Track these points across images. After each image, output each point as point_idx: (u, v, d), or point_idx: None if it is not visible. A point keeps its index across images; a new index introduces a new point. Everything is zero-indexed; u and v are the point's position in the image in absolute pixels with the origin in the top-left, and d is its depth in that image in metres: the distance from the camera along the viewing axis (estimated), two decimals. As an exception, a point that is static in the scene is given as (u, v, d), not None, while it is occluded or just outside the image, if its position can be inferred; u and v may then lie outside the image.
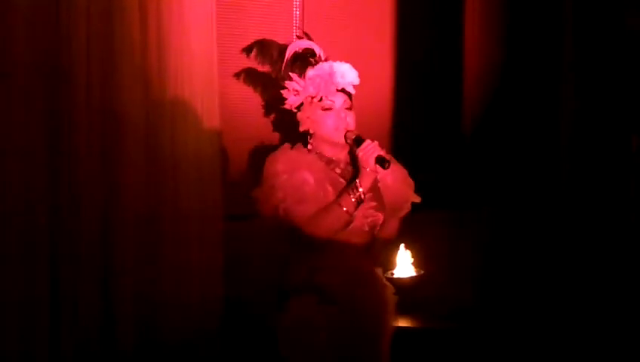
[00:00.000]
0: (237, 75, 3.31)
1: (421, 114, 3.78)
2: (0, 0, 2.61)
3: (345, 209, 2.52)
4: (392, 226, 2.90)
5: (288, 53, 2.78)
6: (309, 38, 2.84)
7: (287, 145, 2.69)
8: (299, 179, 2.56)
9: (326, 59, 2.77)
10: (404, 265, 3.50)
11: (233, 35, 3.35)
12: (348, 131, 2.62)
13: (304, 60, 2.77)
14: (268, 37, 3.17)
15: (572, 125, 3.82)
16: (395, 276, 3.40)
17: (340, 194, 2.56)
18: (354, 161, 2.60)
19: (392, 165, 2.68)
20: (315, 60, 2.77)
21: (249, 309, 3.17)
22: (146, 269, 2.94)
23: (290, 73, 2.75)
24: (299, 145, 2.69)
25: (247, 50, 2.88)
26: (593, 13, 3.76)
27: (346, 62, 2.81)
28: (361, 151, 2.56)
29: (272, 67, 2.86)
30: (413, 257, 3.53)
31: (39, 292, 2.71)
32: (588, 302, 3.56)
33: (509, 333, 3.32)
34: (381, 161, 2.52)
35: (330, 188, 2.59)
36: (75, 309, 2.80)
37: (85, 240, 2.82)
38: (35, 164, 2.71)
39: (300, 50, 2.80)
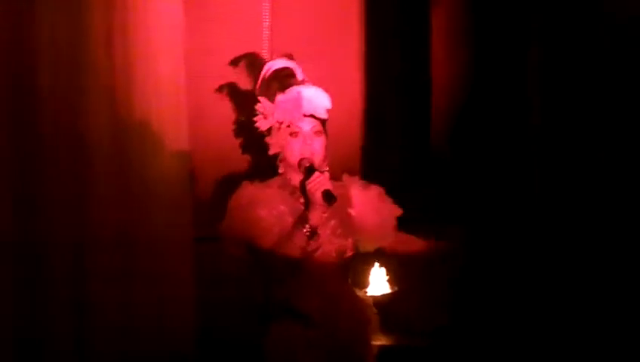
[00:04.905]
0: (207, 95, 3.33)
1: (391, 130, 3.78)
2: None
3: (297, 243, 2.51)
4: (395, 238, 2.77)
5: (264, 72, 2.72)
6: (291, 59, 2.77)
7: (246, 182, 2.67)
8: (254, 216, 2.55)
9: (302, 82, 2.70)
10: (378, 282, 3.50)
11: (202, 55, 3.35)
12: (302, 159, 2.58)
13: (283, 80, 2.69)
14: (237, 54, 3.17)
15: (541, 135, 3.82)
16: (368, 293, 3.40)
17: (292, 228, 2.54)
18: (304, 191, 2.57)
19: (367, 187, 2.69)
20: (292, 82, 2.68)
21: (223, 331, 3.17)
22: (118, 293, 2.94)
23: (259, 97, 2.70)
24: (257, 181, 2.67)
25: (235, 62, 2.79)
26: (560, 25, 3.78)
27: (314, 83, 2.71)
28: (309, 184, 2.51)
29: (255, 82, 2.80)
30: (387, 274, 3.54)
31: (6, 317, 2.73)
32: (564, 318, 3.56)
33: (484, 350, 3.32)
34: (327, 197, 2.46)
35: (290, 220, 2.57)
36: (45, 337, 2.79)
37: (56, 266, 2.82)
38: (1, 188, 2.71)
39: (279, 70, 2.71)
